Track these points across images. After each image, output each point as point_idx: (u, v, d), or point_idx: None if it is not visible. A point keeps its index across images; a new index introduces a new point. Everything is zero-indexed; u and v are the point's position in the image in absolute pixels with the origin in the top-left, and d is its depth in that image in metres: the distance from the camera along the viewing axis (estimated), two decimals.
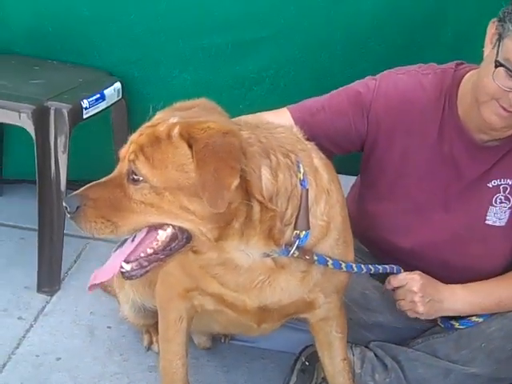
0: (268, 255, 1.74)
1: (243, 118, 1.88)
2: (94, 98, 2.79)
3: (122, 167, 1.64)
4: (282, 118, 2.18)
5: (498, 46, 1.93)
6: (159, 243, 1.65)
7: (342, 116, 2.21)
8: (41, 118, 2.62)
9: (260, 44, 2.90)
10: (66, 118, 2.64)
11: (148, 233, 1.66)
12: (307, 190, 1.72)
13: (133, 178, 1.60)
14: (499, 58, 1.92)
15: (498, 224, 2.18)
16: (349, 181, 2.53)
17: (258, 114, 2.18)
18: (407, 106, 2.16)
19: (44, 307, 2.71)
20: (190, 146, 1.56)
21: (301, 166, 1.73)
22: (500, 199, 2.16)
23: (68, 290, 2.81)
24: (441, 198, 2.20)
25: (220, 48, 2.93)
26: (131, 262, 1.67)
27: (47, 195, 2.71)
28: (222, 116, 1.76)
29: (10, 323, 2.60)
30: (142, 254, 1.66)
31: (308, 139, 1.98)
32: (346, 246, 1.92)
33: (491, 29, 2.01)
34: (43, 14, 3.01)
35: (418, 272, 2.15)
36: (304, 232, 1.72)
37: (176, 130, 1.58)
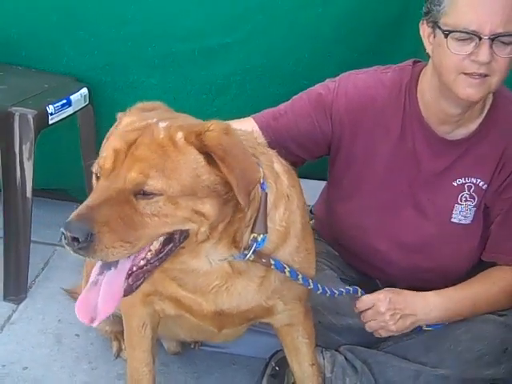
0: (225, 259, 1.73)
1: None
2: (60, 103, 2.76)
3: (119, 183, 1.52)
4: (247, 125, 2.17)
5: (437, 31, 1.99)
6: (153, 251, 1.61)
7: (305, 118, 2.23)
8: (5, 123, 2.59)
9: (227, 50, 2.91)
10: (31, 123, 2.61)
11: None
12: (266, 193, 1.72)
13: (144, 192, 1.52)
14: (444, 28, 1.96)
15: (463, 222, 2.21)
16: (320, 186, 2.56)
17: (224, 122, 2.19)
18: (368, 103, 2.19)
19: (10, 316, 2.67)
20: (200, 151, 1.56)
21: (261, 169, 1.72)
22: (465, 197, 2.19)
23: (35, 298, 2.77)
24: (406, 194, 2.22)
25: (187, 54, 2.94)
26: (126, 278, 1.60)
27: (13, 202, 2.67)
28: (187, 117, 1.74)
29: None
30: (135, 268, 1.61)
31: (272, 145, 1.98)
32: (308, 254, 1.91)
33: (424, 30, 2.07)
34: (8, 19, 2.98)
35: (384, 290, 2.15)
36: (261, 235, 1.72)
37: (179, 136, 1.56)
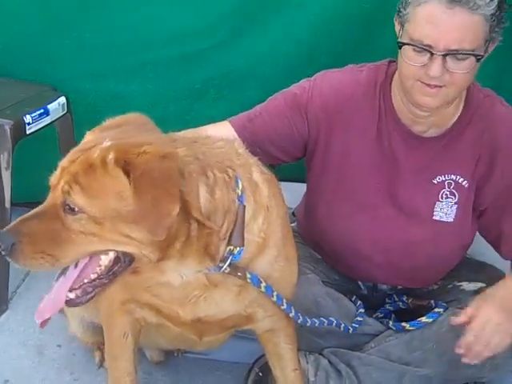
0: (200, 271, 1.71)
1: (182, 132, 1.85)
2: (38, 113, 2.74)
3: (55, 197, 1.57)
4: (223, 129, 2.19)
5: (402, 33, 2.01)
6: (102, 268, 1.62)
7: (280, 118, 2.22)
8: None
9: (204, 55, 2.93)
10: (9, 133, 2.59)
11: (91, 258, 1.62)
12: (244, 206, 1.71)
13: (69, 208, 1.55)
14: (402, 40, 1.98)
15: (445, 219, 2.21)
16: (302, 188, 2.55)
17: (200, 128, 2.18)
18: (343, 102, 2.19)
19: None
20: (127, 173, 1.52)
21: (239, 181, 1.71)
22: (446, 194, 2.19)
23: (16, 310, 2.75)
24: (386, 193, 2.22)
25: (165, 60, 2.96)
26: (75, 289, 1.63)
27: None
28: (155, 133, 1.71)
29: None
30: (86, 280, 1.63)
31: (252, 151, 1.97)
32: (287, 262, 1.90)
33: (396, 27, 2.07)
34: None
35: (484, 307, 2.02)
36: (238, 248, 1.70)
37: (111, 156, 1.53)
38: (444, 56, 1.92)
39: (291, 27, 2.89)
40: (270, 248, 1.81)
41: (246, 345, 2.36)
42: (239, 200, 1.70)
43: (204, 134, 1.88)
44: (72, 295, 1.63)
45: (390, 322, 2.30)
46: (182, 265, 1.67)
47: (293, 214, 2.63)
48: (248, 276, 1.75)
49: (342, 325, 2.17)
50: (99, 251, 1.59)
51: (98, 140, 1.61)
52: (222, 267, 1.70)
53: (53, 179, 1.59)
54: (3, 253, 1.55)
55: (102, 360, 2.48)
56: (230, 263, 1.70)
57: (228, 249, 1.70)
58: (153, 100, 3.01)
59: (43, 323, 1.66)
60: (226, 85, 2.99)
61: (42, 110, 2.77)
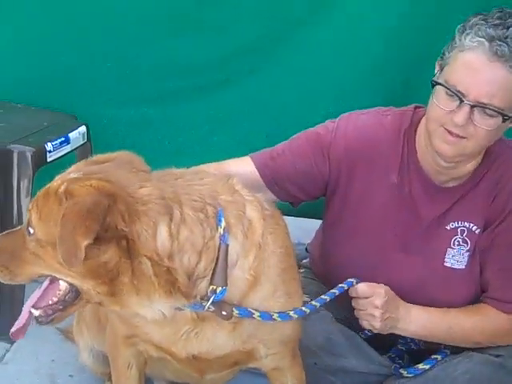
0: (180, 309, 1.70)
1: (175, 170, 1.82)
2: (59, 141, 2.78)
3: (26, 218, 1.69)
4: (244, 165, 2.21)
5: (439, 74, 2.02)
6: (61, 293, 1.70)
7: (303, 158, 2.22)
8: (4, 161, 2.60)
9: (223, 86, 3.10)
10: (30, 161, 2.62)
11: (52, 282, 1.71)
12: (227, 245, 1.69)
13: (28, 229, 1.65)
14: (437, 80, 1.98)
15: (456, 266, 2.19)
16: (316, 225, 2.55)
17: (222, 162, 2.20)
18: (367, 145, 2.19)
19: (4, 355, 2.64)
20: None
21: (222, 219, 1.70)
22: (458, 241, 2.18)
23: (29, 338, 2.64)
24: (401, 239, 2.21)
25: (186, 89, 3.11)
26: (40, 308, 1.74)
27: None
28: (134, 172, 1.71)
29: None
30: (50, 302, 1.72)
31: (270, 189, 2.06)
32: (289, 298, 1.85)
33: (436, 68, 2.08)
34: (16, 59, 3.14)
35: (386, 287, 2.13)
36: (220, 288, 1.69)
37: (62, 187, 1.59)
38: (472, 107, 1.92)
39: (303, 64, 3.06)
40: (262, 284, 1.77)
41: (253, 380, 2.34)
42: (221, 239, 1.68)
43: (200, 169, 1.92)
44: (36, 313, 1.74)
45: (392, 367, 2.28)
46: (149, 300, 1.65)
47: (306, 249, 2.62)
48: (236, 312, 1.73)
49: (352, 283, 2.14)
50: (46, 275, 1.69)
51: (72, 172, 1.69)
52: (205, 306, 1.69)
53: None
54: None
55: None
56: (213, 302, 1.68)
57: (211, 287, 1.68)
58: (173, 127, 3.18)
59: (14, 334, 1.81)
60: (246, 114, 3.13)
61: (62, 139, 2.81)
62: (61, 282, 1.68)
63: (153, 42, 3.05)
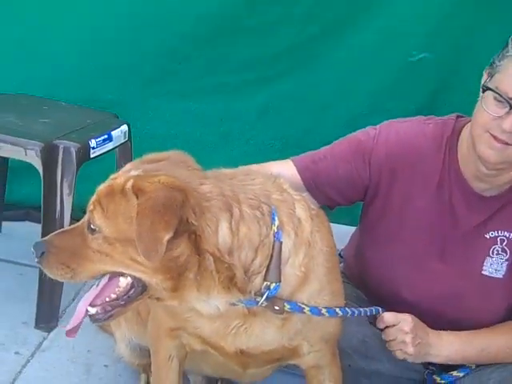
0: (235, 304, 1.75)
1: (226, 170, 1.88)
2: (102, 138, 2.84)
3: (85, 217, 1.71)
4: (285, 168, 2.24)
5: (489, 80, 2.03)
6: (121, 289, 1.72)
7: (344, 163, 2.25)
8: (49, 155, 2.66)
9: (267, 81, 3.33)
10: (74, 156, 2.68)
11: (111, 279, 1.73)
12: (281, 242, 1.74)
13: (91, 227, 1.67)
14: (488, 85, 2.01)
15: (494, 275, 2.21)
16: (349, 231, 2.59)
17: (263, 164, 2.25)
18: (408, 153, 2.21)
19: (41, 343, 2.71)
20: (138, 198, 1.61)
21: (276, 217, 1.75)
22: (497, 250, 2.20)
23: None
24: (438, 246, 2.24)
25: (233, 84, 3.32)
26: (97, 305, 1.74)
27: (50, 232, 2.71)
28: (191, 170, 1.77)
29: (7, 358, 2.60)
30: (107, 299, 1.74)
31: (310, 192, 2.07)
32: (333, 297, 1.91)
33: (484, 77, 2.09)
34: (60, 59, 3.29)
35: (411, 315, 2.16)
36: (274, 284, 1.74)
37: (130, 184, 1.63)
38: None
39: (343, 64, 3.26)
40: (311, 282, 1.83)
41: (290, 380, 2.38)
42: (275, 236, 1.74)
43: (250, 170, 1.93)
44: (93, 311, 1.74)
45: (425, 373, 2.30)
46: (208, 296, 1.71)
47: (339, 255, 2.66)
48: (287, 306, 1.78)
49: (380, 309, 2.18)
50: (112, 272, 1.70)
51: (131, 169, 1.72)
52: (259, 301, 1.74)
53: (90, 201, 1.71)
54: (36, 260, 1.72)
55: (147, 383, 2.52)
56: (267, 297, 1.73)
57: (265, 284, 1.73)
58: (219, 118, 3.41)
59: (69, 333, 1.79)
60: (284, 106, 3.36)
61: (105, 136, 2.87)
62: (121, 278, 1.70)
63: (205, 41, 3.22)
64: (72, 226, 1.77)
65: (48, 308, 2.79)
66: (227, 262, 1.67)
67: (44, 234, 2.69)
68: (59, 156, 2.68)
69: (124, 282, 1.71)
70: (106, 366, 2.64)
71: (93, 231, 1.67)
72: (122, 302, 1.73)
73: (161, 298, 1.73)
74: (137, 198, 1.60)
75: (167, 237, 1.56)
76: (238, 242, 1.68)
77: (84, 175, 2.80)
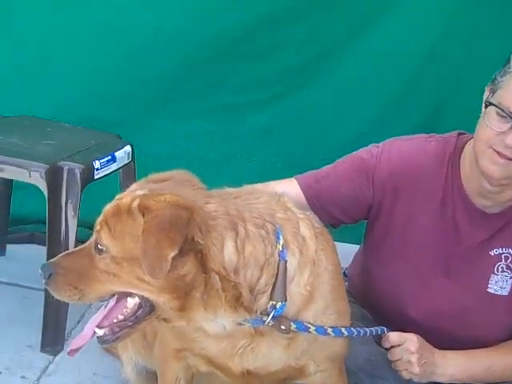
0: (241, 324, 1.74)
1: (230, 189, 1.88)
2: (106, 159, 2.85)
3: (93, 237, 1.71)
4: (289, 187, 2.24)
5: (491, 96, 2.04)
6: (128, 310, 1.72)
7: (347, 182, 2.26)
8: (53, 177, 2.67)
9: (269, 101, 3.41)
10: (79, 177, 2.69)
11: (118, 300, 1.73)
12: (286, 261, 1.74)
13: (98, 247, 1.67)
14: (491, 100, 2.01)
15: (499, 293, 2.20)
16: (353, 249, 2.59)
17: (267, 183, 2.25)
18: (411, 170, 2.21)
19: (47, 367, 2.70)
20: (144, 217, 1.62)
21: (280, 236, 1.75)
22: (502, 268, 2.19)
23: None
24: (442, 263, 2.23)
25: (237, 105, 3.41)
26: (104, 327, 1.74)
27: (56, 254, 2.71)
28: (196, 189, 1.78)
29: (13, 382, 2.60)
30: (115, 320, 1.73)
31: (313, 211, 2.04)
32: (340, 316, 1.91)
33: (485, 95, 2.10)
34: (62, 81, 3.33)
35: (416, 335, 2.15)
36: (280, 303, 1.73)
37: (136, 203, 1.63)
38: None
39: (343, 85, 3.31)
40: (316, 300, 1.83)
41: None
42: (280, 255, 1.73)
43: (253, 189, 1.93)
44: (101, 332, 1.74)
45: None
46: (215, 315, 1.71)
47: (344, 274, 2.65)
48: (293, 326, 1.77)
49: (385, 329, 2.16)
50: (120, 292, 1.69)
51: (137, 189, 1.72)
52: (266, 321, 1.73)
53: (96, 221, 1.71)
54: (43, 282, 1.72)
55: None
56: (273, 317, 1.73)
57: (271, 303, 1.73)
58: (225, 137, 3.49)
59: (71, 352, 1.78)
60: (286, 127, 3.44)
61: (109, 157, 2.88)
62: (129, 299, 1.70)
63: (207, 64, 3.28)
64: (79, 248, 1.77)
65: (53, 331, 2.78)
66: (233, 280, 1.66)
67: (49, 256, 2.71)
68: (64, 177, 2.69)
69: (132, 302, 1.70)
70: None
71: (100, 251, 1.67)
72: (130, 323, 1.73)
73: (168, 319, 1.72)
74: (143, 216, 1.60)
75: (172, 254, 1.56)
76: (243, 261, 1.68)
77: (88, 196, 2.83)
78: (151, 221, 1.58)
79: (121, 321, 1.73)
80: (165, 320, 1.73)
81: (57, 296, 1.73)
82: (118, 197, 1.73)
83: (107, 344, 1.77)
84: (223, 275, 1.66)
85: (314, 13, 3.24)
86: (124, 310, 1.72)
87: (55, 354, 2.77)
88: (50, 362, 2.73)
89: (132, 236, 1.62)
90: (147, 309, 1.70)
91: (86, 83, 3.32)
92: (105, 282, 1.67)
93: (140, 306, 1.70)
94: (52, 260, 1.76)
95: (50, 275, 1.71)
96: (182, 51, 3.28)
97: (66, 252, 1.81)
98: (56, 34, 3.29)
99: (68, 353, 1.79)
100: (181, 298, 1.65)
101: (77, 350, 1.77)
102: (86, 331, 1.76)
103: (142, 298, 1.68)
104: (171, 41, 3.25)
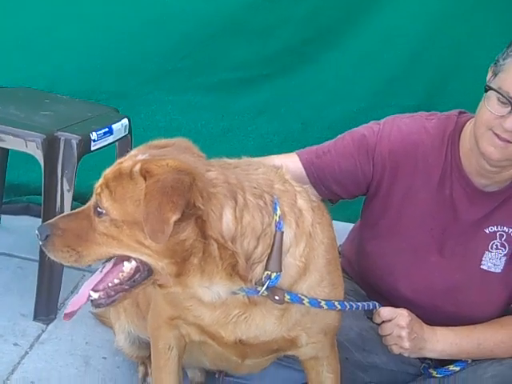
0: (235, 293, 1.76)
1: (229, 159, 1.89)
2: (103, 131, 2.84)
3: (92, 199, 1.72)
4: (290, 162, 2.25)
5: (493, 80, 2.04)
6: (124, 274, 1.72)
7: (347, 158, 2.27)
8: (50, 147, 2.66)
9: (265, 79, 3.43)
10: (75, 148, 2.68)
11: (115, 264, 1.74)
12: (282, 232, 1.75)
13: (98, 210, 1.67)
14: (490, 85, 2.02)
15: (493, 270, 2.23)
16: (347, 228, 2.61)
17: (268, 157, 2.26)
18: (411, 147, 2.22)
19: (40, 335, 2.72)
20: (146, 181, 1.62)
21: (278, 207, 1.76)
22: (496, 245, 2.21)
23: (63, 320, 2.80)
24: (437, 240, 2.25)
25: (235, 81, 3.42)
26: (99, 291, 1.75)
27: None
28: (196, 157, 1.79)
29: (6, 349, 2.61)
30: (110, 284, 1.74)
31: (314, 186, 2.08)
32: (334, 289, 1.92)
33: (489, 75, 2.11)
34: (60, 53, 3.34)
35: (406, 310, 2.18)
36: (275, 273, 1.75)
37: (137, 167, 1.64)
38: None
39: (339, 63, 3.35)
40: (311, 273, 1.84)
41: (287, 373, 2.38)
42: (277, 226, 1.75)
43: (253, 160, 1.94)
44: (96, 295, 1.74)
45: (421, 367, 2.32)
46: (210, 282, 1.72)
47: (338, 251, 2.66)
48: (287, 297, 1.79)
49: (377, 304, 2.18)
50: (118, 255, 1.70)
51: (137, 154, 1.73)
52: (260, 291, 1.75)
53: (96, 185, 1.72)
54: (40, 242, 1.72)
55: (145, 375, 2.53)
56: (267, 287, 1.74)
57: (266, 273, 1.74)
58: (221, 113, 3.50)
59: (66, 315, 1.78)
60: (283, 104, 3.49)
61: (106, 129, 2.87)
62: (125, 263, 1.70)
63: (206, 40, 3.30)
64: (77, 210, 1.76)
65: (47, 301, 2.79)
66: (230, 248, 1.68)
67: None
68: (60, 148, 2.68)
69: (128, 266, 1.71)
70: (104, 358, 2.65)
71: (100, 214, 1.67)
72: (127, 287, 1.73)
73: (164, 284, 1.73)
74: (145, 180, 1.61)
75: (174, 218, 1.57)
76: (241, 230, 1.69)
77: (84, 169, 2.84)
78: (153, 185, 1.58)
79: (116, 285, 1.73)
80: (160, 286, 1.74)
81: (53, 257, 1.72)
82: (119, 161, 1.73)
83: (101, 307, 1.77)
84: (221, 243, 1.67)
85: None
86: (120, 274, 1.72)
87: (48, 322, 2.78)
88: (43, 331, 2.74)
89: (133, 199, 1.62)
90: (145, 273, 1.70)
91: (85, 56, 3.33)
92: (103, 245, 1.67)
93: (137, 271, 1.71)
94: (49, 221, 1.76)
95: (47, 236, 1.70)
96: (182, 26, 3.28)
97: (64, 214, 1.81)
98: (54, 7, 3.29)
99: (63, 317, 1.79)
100: (179, 264, 1.66)
101: (72, 314, 1.77)
102: (81, 295, 1.76)
103: (140, 262, 1.69)
104: (171, 15, 3.26)
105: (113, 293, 1.74)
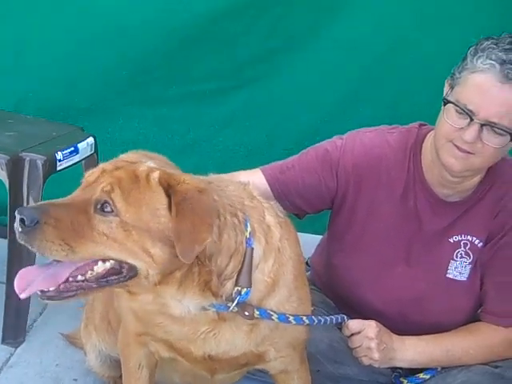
0: (206, 309, 1.77)
1: (203, 177, 1.89)
2: (68, 150, 2.82)
3: (89, 193, 1.62)
4: (254, 177, 2.26)
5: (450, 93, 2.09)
6: (93, 273, 1.64)
7: (311, 173, 2.29)
8: (15, 168, 2.63)
9: (232, 90, 3.44)
10: (41, 168, 2.66)
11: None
12: (252, 248, 1.78)
13: (102, 208, 1.60)
14: (448, 98, 2.06)
15: (458, 278, 2.26)
16: (315, 240, 2.63)
17: (233, 173, 2.27)
18: (374, 161, 2.26)
19: (8, 359, 2.68)
20: (167, 195, 1.62)
21: (248, 224, 1.78)
22: (461, 254, 2.25)
23: (33, 342, 2.78)
24: (403, 251, 2.28)
25: (202, 93, 3.43)
26: (62, 283, 1.62)
27: (17, 248, 2.67)
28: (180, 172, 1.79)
29: None
30: (71, 279, 1.63)
31: (277, 197, 2.09)
32: (301, 304, 1.95)
33: (445, 88, 2.15)
34: (23, 73, 3.30)
35: (375, 321, 2.20)
36: (245, 289, 1.77)
37: (155, 175, 1.64)
38: (482, 125, 1.99)
39: (304, 74, 3.36)
40: (280, 288, 1.86)
41: None
42: (247, 242, 1.77)
43: (220, 177, 1.96)
44: (54, 289, 1.62)
45: (392, 376, 2.34)
46: (183, 296, 1.73)
47: (306, 263, 2.68)
48: (256, 312, 1.80)
49: (345, 317, 2.19)
50: (112, 258, 1.62)
51: (138, 159, 1.72)
52: (230, 307, 1.76)
53: (91, 176, 1.66)
54: (20, 229, 1.54)
55: None
56: (237, 303, 1.76)
57: (236, 289, 1.76)
58: (188, 125, 3.50)
59: (22, 289, 1.63)
60: (250, 115, 3.48)
61: (72, 148, 2.85)
62: (99, 263, 1.61)
63: (172, 53, 3.29)
64: (67, 201, 1.62)
65: (15, 323, 2.75)
66: (207, 266, 1.69)
67: (11, 249, 2.69)
68: (25, 168, 2.65)
69: (101, 266, 1.63)
70: (75, 379, 2.61)
71: (104, 213, 1.60)
72: (95, 286, 1.65)
73: (134, 291, 1.71)
74: (165, 192, 1.61)
75: (209, 239, 1.61)
76: (219, 249, 1.71)
77: (50, 189, 2.81)
78: (183, 203, 1.59)
79: (78, 281, 1.63)
80: (130, 292, 1.72)
81: (36, 247, 1.56)
82: (122, 157, 1.72)
83: (51, 301, 1.65)
84: (202, 260, 1.68)
85: (278, 4, 3.26)
86: (89, 273, 1.63)
87: (17, 345, 2.74)
88: (12, 354, 2.70)
89: (150, 208, 1.61)
90: (125, 278, 1.64)
91: (51, 72, 3.28)
92: (100, 245, 1.59)
93: (113, 273, 1.64)
94: (36, 205, 1.64)
95: (36, 223, 1.54)
96: (148, 39, 3.27)
97: (52, 201, 1.61)
98: (19, 25, 3.25)
99: (20, 293, 1.65)
100: (165, 275, 1.66)
101: (28, 291, 1.63)
102: (56, 275, 1.62)
103: (129, 266, 1.63)
104: (137, 28, 3.24)
105: (73, 288, 1.63)
